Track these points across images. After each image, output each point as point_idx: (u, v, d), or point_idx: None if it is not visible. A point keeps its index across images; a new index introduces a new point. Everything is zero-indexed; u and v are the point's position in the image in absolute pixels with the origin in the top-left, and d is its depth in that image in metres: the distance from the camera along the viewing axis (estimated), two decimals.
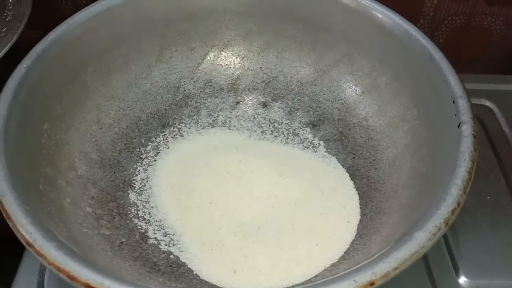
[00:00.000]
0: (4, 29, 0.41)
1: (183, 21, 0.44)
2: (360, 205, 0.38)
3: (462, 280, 0.39)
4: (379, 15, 0.40)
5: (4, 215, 0.28)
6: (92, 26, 0.40)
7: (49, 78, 0.37)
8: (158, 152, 0.42)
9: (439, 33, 0.60)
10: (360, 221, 0.36)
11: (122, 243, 0.35)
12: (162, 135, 0.43)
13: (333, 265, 0.33)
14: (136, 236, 0.36)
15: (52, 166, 0.36)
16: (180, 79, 0.45)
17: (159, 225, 0.37)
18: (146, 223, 0.37)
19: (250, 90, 0.46)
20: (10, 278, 0.38)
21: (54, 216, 0.31)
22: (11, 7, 0.43)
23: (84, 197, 0.36)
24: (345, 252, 0.34)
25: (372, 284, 0.24)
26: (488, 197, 0.44)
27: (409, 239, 0.26)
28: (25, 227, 0.27)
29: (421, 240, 0.26)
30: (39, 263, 0.38)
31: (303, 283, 0.32)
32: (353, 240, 0.35)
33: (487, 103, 0.52)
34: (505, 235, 0.42)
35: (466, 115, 0.32)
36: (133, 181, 0.40)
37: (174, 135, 0.43)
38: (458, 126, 0.32)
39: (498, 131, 0.50)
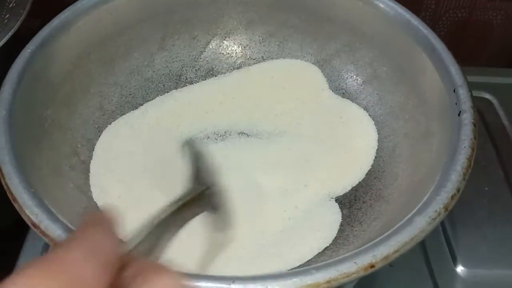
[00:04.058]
0: (7, 16, 0.41)
1: (185, 9, 0.44)
2: (359, 194, 0.38)
3: (460, 269, 0.40)
4: (381, 5, 0.40)
5: (10, 198, 0.28)
6: (95, 13, 0.40)
7: (53, 63, 0.37)
8: None
9: (440, 26, 0.60)
10: (360, 208, 0.37)
11: None
12: None
13: (332, 250, 0.34)
14: None
15: (56, 151, 0.36)
16: (182, 67, 0.46)
17: None
18: None
19: None
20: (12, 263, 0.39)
21: (58, 200, 0.32)
22: None
23: (87, 182, 0.37)
24: (345, 239, 0.35)
25: (372, 266, 0.25)
26: (486, 188, 0.45)
27: (409, 223, 0.27)
28: (31, 209, 0.27)
29: (421, 224, 0.27)
30: (39, 250, 0.39)
31: (300, 266, 0.33)
32: (353, 226, 0.35)
33: (487, 96, 0.52)
34: (503, 226, 0.42)
35: (466, 104, 0.33)
36: None
37: None
38: (459, 115, 0.32)
39: (498, 124, 0.50)
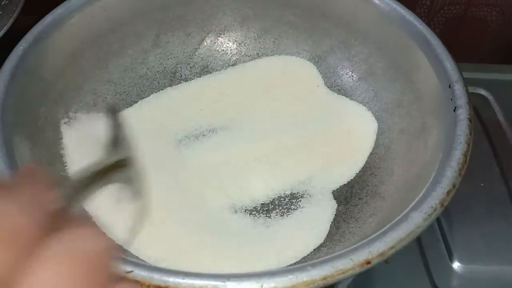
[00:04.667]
0: (0, 13, 0.41)
1: (180, 6, 0.44)
2: (355, 191, 0.38)
3: (456, 265, 0.40)
4: (377, 1, 0.40)
5: None
6: (88, 9, 0.40)
7: (46, 61, 0.37)
8: None
9: (435, 22, 0.60)
10: (355, 205, 0.37)
11: None
12: None
13: (328, 247, 0.34)
14: None
15: (49, 150, 0.36)
16: (177, 64, 0.45)
17: None
18: None
19: None
20: None
21: None
22: None
23: None
24: (340, 235, 0.35)
25: (368, 262, 0.25)
26: (482, 184, 0.45)
27: (405, 219, 0.27)
28: None
29: (417, 220, 0.27)
30: None
31: (296, 263, 0.33)
32: (349, 223, 0.35)
33: (483, 92, 0.52)
34: (498, 222, 0.42)
35: (462, 99, 0.33)
36: None
37: None
38: (454, 110, 0.32)
39: (493, 120, 0.50)
